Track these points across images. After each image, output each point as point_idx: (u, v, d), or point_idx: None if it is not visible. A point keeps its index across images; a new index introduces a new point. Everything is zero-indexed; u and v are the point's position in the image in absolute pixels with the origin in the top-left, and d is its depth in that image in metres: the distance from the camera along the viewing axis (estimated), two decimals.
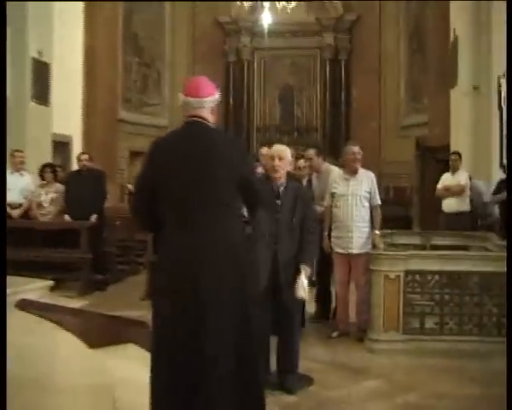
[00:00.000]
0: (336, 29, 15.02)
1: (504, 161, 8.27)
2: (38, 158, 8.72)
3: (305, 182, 7.66)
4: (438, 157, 10.24)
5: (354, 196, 5.35)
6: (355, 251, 5.30)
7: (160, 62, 14.92)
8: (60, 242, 6.83)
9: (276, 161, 4.02)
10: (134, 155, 13.02)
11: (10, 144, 8.58)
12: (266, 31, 13.43)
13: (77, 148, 11.25)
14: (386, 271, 4.90)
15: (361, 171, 5.47)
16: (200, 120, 2.78)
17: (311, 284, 4.56)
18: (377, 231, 5.36)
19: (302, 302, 4.36)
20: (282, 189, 4.07)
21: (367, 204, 5.38)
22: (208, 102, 2.81)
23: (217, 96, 2.88)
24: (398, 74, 14.31)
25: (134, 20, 13.84)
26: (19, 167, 7.74)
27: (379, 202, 5.45)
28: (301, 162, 7.50)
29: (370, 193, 5.41)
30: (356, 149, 5.45)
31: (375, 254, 5.06)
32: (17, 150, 7.80)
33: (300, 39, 15.01)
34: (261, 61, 15.43)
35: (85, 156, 7.72)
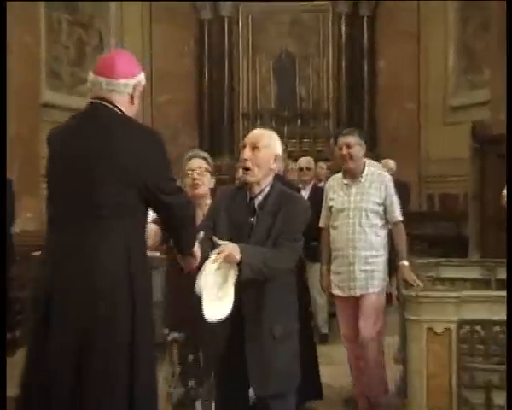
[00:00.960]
0: None
1: None
2: None
3: (307, 192, 7.49)
4: (503, 151, 9.93)
5: (358, 211, 5.23)
6: (358, 292, 5.20)
7: (102, 21, 14.66)
8: None
9: (247, 153, 3.60)
10: None
11: None
12: None
13: None
14: (430, 321, 4.59)
15: (369, 171, 5.33)
16: (106, 104, 3.07)
17: None
18: (405, 262, 5.16)
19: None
20: (259, 199, 3.64)
21: (379, 221, 5.24)
22: (123, 85, 3.10)
23: (139, 79, 3.17)
24: (445, 36, 14.25)
25: None
26: None
27: (399, 218, 5.29)
28: (321, 165, 7.68)
29: (385, 205, 5.23)
30: (350, 139, 5.32)
31: (410, 297, 4.72)
32: None
33: None
34: (248, 19, 15.33)
35: None
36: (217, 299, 3.34)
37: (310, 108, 15.16)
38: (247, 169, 3.59)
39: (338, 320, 5.59)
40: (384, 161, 9.39)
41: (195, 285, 3.28)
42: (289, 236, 3.58)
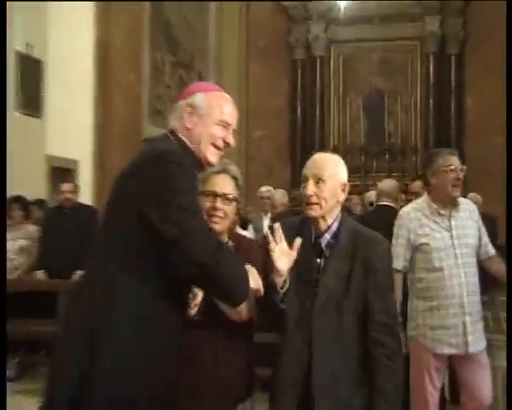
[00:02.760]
0: (444, 11, 14.39)
1: None
2: (26, 189, 8.20)
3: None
4: None
5: (464, 248, 4.10)
6: (472, 349, 4.04)
7: (203, 61, 14.56)
8: (30, 309, 6.16)
9: (311, 188, 2.84)
10: None
11: None
12: (346, 16, 13.38)
13: (85, 176, 10.75)
14: None
15: (460, 200, 4.24)
16: (165, 133, 2.56)
17: None
18: None
19: None
20: (327, 238, 2.86)
21: (475, 260, 4.18)
22: (176, 107, 2.58)
23: (191, 98, 2.56)
24: None
25: (166, 4, 13.37)
26: None
27: (493, 251, 4.30)
28: (417, 185, 6.57)
29: (480, 238, 4.22)
30: (456, 160, 4.15)
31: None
32: None
33: (394, 27, 14.52)
34: (339, 58, 15.07)
35: (68, 186, 7.20)
36: None
37: (398, 144, 14.70)
38: (310, 204, 2.84)
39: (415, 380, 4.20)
40: (471, 194, 8.69)
41: None
42: (385, 303, 2.81)
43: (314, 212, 2.83)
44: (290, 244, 2.67)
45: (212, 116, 2.53)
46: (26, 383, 5.96)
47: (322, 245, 2.85)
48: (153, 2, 12.86)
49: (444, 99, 14.39)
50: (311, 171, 2.85)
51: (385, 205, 6.12)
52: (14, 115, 8.84)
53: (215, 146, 2.54)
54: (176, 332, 2.39)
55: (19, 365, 6.24)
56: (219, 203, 2.77)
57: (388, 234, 5.05)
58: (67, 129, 9.94)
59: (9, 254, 6.99)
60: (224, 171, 2.82)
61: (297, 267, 2.73)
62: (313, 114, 14.86)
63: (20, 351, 6.32)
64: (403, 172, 14.09)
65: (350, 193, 10.49)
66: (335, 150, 14.59)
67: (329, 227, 2.87)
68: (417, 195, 6.66)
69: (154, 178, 2.29)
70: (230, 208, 2.79)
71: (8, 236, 7.08)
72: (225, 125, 2.55)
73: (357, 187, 14.07)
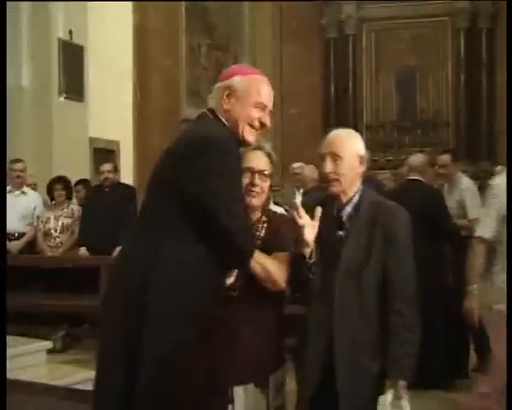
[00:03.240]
0: None
1: None
2: (71, 171, 8.41)
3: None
4: None
5: None
6: None
7: (238, 43, 14.53)
8: (74, 284, 6.29)
9: (329, 166, 2.92)
10: None
11: (33, 152, 8.38)
12: None
13: (126, 158, 10.97)
14: None
15: None
16: (204, 112, 2.69)
17: None
18: None
19: None
20: (348, 210, 2.95)
21: None
22: (216, 89, 2.70)
23: (230, 81, 2.66)
24: None
25: None
26: (18, 183, 7.36)
27: None
28: (445, 159, 6.56)
29: None
30: None
31: None
32: (16, 160, 7.45)
33: (424, 4, 14.21)
34: (371, 37, 14.78)
35: (108, 166, 7.32)
36: None
37: (430, 119, 14.46)
38: (330, 181, 2.94)
39: None
40: (500, 167, 8.62)
41: None
42: (403, 272, 2.89)
43: (335, 188, 2.91)
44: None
45: (249, 98, 2.61)
46: (72, 354, 6.11)
47: (344, 217, 2.94)
48: None
49: (475, 74, 14.12)
50: (327, 149, 2.95)
51: (414, 179, 6.18)
52: (57, 100, 9.07)
53: (252, 126, 2.64)
54: (214, 290, 2.55)
55: (64, 337, 6.40)
56: (257, 179, 2.86)
57: (418, 206, 5.24)
58: (109, 112, 10.12)
59: (53, 233, 7.18)
60: (258, 148, 2.91)
61: (321, 241, 2.81)
62: (346, 92, 14.67)
63: (65, 324, 6.47)
64: (435, 147, 13.96)
65: (383, 168, 10.39)
66: (368, 128, 14.60)
67: (351, 199, 2.95)
68: (445, 168, 6.67)
69: (208, 162, 2.40)
70: (266, 184, 2.89)
71: (52, 215, 7.28)
72: (262, 106, 2.65)
73: (390, 162, 14.02)
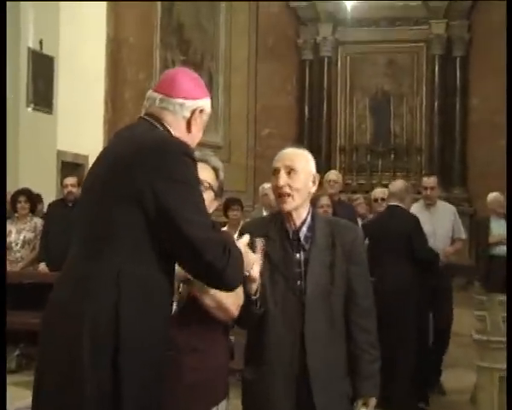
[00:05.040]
0: (449, 14, 14.19)
1: None
2: (37, 184, 8.14)
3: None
4: None
5: None
6: None
7: (213, 61, 14.41)
8: (32, 301, 6.03)
9: (284, 178, 2.73)
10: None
11: None
12: (353, 18, 13.33)
13: None
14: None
15: None
16: (150, 119, 2.32)
17: None
18: None
19: None
20: (304, 231, 2.78)
21: None
22: (179, 104, 2.34)
23: (200, 103, 2.39)
24: None
25: (177, 4, 13.28)
26: None
27: None
28: (432, 181, 6.53)
29: None
30: None
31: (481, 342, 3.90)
32: None
33: (400, 29, 14.40)
34: (346, 60, 14.94)
35: (71, 180, 7.02)
36: None
37: (403, 144, 14.55)
38: (282, 196, 2.72)
39: None
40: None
41: None
42: (361, 286, 2.81)
43: (288, 205, 2.72)
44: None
45: (205, 120, 2.43)
46: (26, 375, 5.82)
47: (301, 239, 2.76)
48: (163, 5, 12.79)
49: (448, 101, 14.20)
50: (282, 162, 2.74)
51: (396, 206, 6.07)
52: (26, 111, 8.80)
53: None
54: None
55: (19, 357, 6.12)
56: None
57: (403, 233, 5.51)
58: (78, 125, 9.88)
59: (13, 247, 6.88)
60: (204, 160, 2.66)
61: (272, 266, 2.69)
62: (320, 114, 14.70)
63: (22, 343, 6.18)
64: (407, 172, 13.97)
65: (355, 191, 10.29)
66: (341, 151, 14.57)
67: (305, 220, 2.78)
68: (433, 190, 6.49)
69: (167, 168, 2.12)
70: (205, 195, 2.56)
71: (13, 228, 6.99)
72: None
73: (362, 185, 14.00)
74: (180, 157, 2.16)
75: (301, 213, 2.77)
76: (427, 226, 5.92)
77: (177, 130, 2.33)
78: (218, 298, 2.48)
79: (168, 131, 2.30)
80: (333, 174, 7.15)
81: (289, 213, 2.75)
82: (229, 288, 2.28)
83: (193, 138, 2.37)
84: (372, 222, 6.38)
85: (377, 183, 12.61)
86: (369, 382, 2.77)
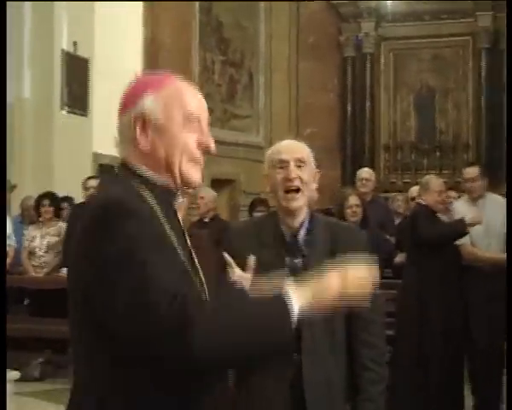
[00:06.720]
0: (496, 7, 13.50)
1: None
2: (73, 188, 8.06)
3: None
4: None
5: None
6: None
7: (253, 60, 14.24)
8: (57, 307, 5.90)
9: (295, 171, 2.44)
10: (217, 184, 12.16)
11: (32, 167, 8.12)
12: (396, 13, 13.17)
13: None
14: None
15: None
16: (117, 167, 1.78)
17: None
18: None
19: None
20: (302, 235, 2.51)
21: None
22: (123, 124, 1.73)
23: (140, 105, 1.69)
24: None
25: (216, 3, 13.14)
26: None
27: None
28: (472, 171, 6.13)
29: None
30: None
31: None
32: None
33: (445, 23, 13.97)
34: (390, 56, 14.55)
35: (94, 182, 6.80)
36: None
37: (449, 141, 14.09)
38: (292, 192, 2.43)
39: None
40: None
41: None
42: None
43: (297, 202, 2.45)
44: (249, 248, 2.28)
45: (174, 120, 1.70)
46: (49, 384, 5.67)
47: (300, 243, 2.49)
48: (202, 4, 12.67)
49: (496, 95, 13.70)
50: (291, 154, 2.48)
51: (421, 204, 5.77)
52: (60, 114, 8.75)
53: (192, 159, 1.73)
54: None
55: (43, 365, 5.97)
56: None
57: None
58: (114, 127, 9.82)
59: (38, 252, 6.75)
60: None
61: (266, 270, 2.35)
62: (363, 112, 14.37)
63: (48, 350, 6.01)
64: (454, 170, 13.58)
65: (400, 190, 9.94)
66: (385, 149, 14.24)
67: (303, 222, 2.52)
68: (473, 181, 5.98)
69: (97, 246, 1.57)
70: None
71: (38, 233, 6.87)
72: (197, 121, 1.73)
73: (407, 184, 13.63)
74: (107, 226, 1.58)
75: (300, 214, 2.51)
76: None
77: (137, 160, 1.72)
78: None
79: (130, 170, 1.72)
80: (365, 172, 6.87)
81: (291, 213, 2.49)
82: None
83: (162, 158, 1.70)
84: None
85: None
86: (372, 404, 2.46)
